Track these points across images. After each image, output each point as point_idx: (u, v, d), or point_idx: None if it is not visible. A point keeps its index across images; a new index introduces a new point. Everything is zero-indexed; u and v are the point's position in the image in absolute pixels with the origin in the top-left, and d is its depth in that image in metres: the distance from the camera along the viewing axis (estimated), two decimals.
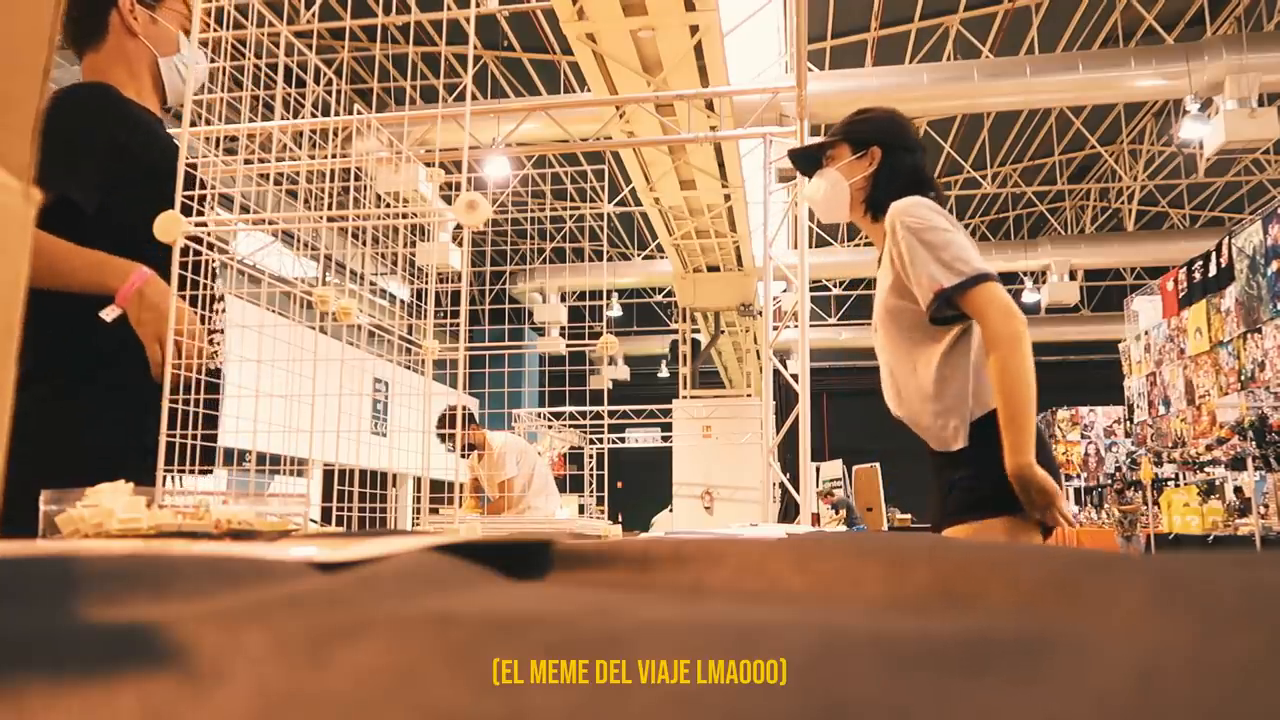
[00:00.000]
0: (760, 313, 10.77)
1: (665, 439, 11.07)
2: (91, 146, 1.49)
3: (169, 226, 1.06)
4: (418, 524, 2.19)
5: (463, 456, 4.65)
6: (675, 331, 13.58)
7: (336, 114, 1.59)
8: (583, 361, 2.40)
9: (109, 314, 1.35)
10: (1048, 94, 7.99)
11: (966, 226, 16.79)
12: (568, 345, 2.49)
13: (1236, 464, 7.80)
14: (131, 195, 1.44)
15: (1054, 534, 1.79)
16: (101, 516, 0.72)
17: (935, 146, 12.66)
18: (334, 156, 1.57)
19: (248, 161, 1.53)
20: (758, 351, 11.23)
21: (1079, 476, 13.95)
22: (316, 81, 1.44)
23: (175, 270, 1.12)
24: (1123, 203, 14.97)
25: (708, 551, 0.47)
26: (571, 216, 11.38)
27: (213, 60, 1.36)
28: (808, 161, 2.03)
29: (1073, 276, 13.02)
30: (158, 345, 1.39)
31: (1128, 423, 10.73)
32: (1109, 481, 12.41)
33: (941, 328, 1.80)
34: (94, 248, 1.43)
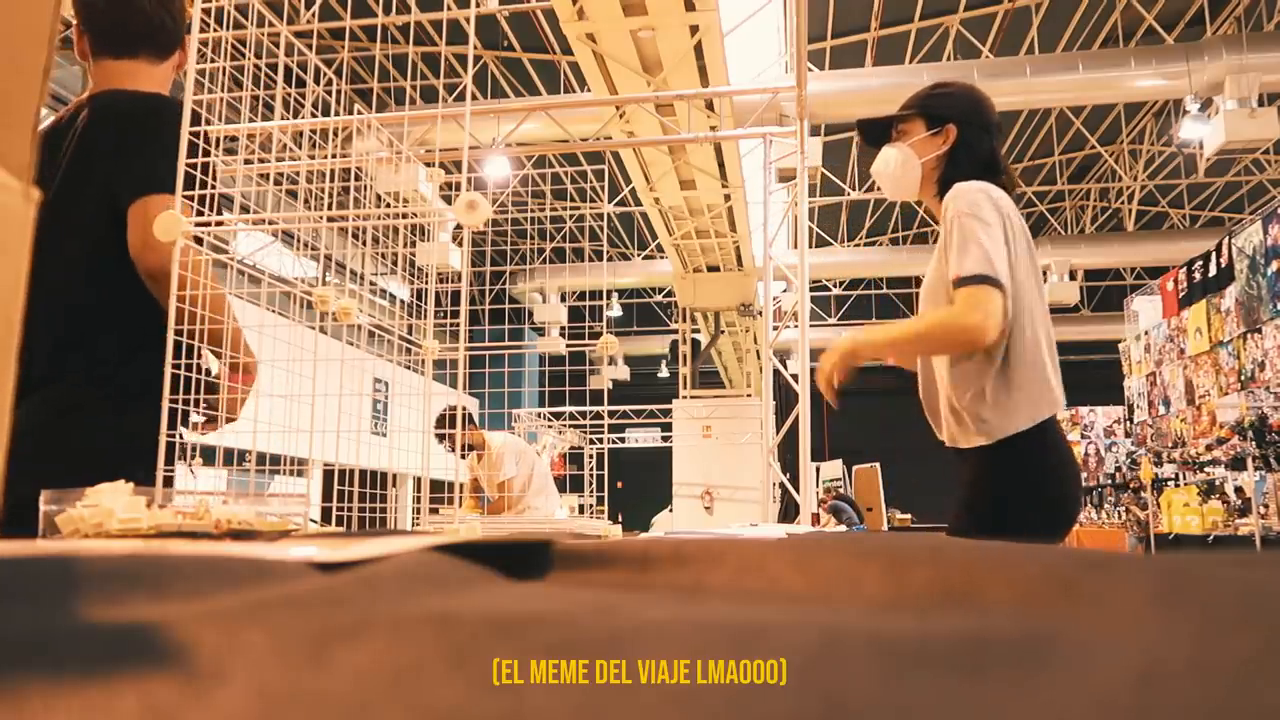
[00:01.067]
0: (760, 313, 10.76)
1: (665, 439, 11.07)
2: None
3: (169, 226, 1.06)
4: (418, 524, 2.19)
5: (461, 457, 4.66)
6: (675, 331, 13.58)
7: (336, 114, 1.59)
8: (583, 361, 2.40)
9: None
10: (1048, 94, 7.99)
11: None
12: (568, 345, 2.49)
13: (1236, 464, 7.79)
14: None
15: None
16: (101, 516, 0.72)
17: None
18: (334, 156, 1.57)
19: (248, 161, 1.53)
20: (758, 351, 11.23)
21: None
22: (316, 81, 1.44)
23: (175, 269, 1.12)
24: (1123, 203, 14.97)
25: (708, 551, 0.47)
26: (571, 216, 11.37)
27: (213, 60, 1.36)
28: (876, 132, 1.93)
29: (1073, 276, 13.02)
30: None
31: (1128, 423, 10.72)
32: (1109, 481, 12.39)
33: None
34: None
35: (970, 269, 1.62)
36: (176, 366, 1.12)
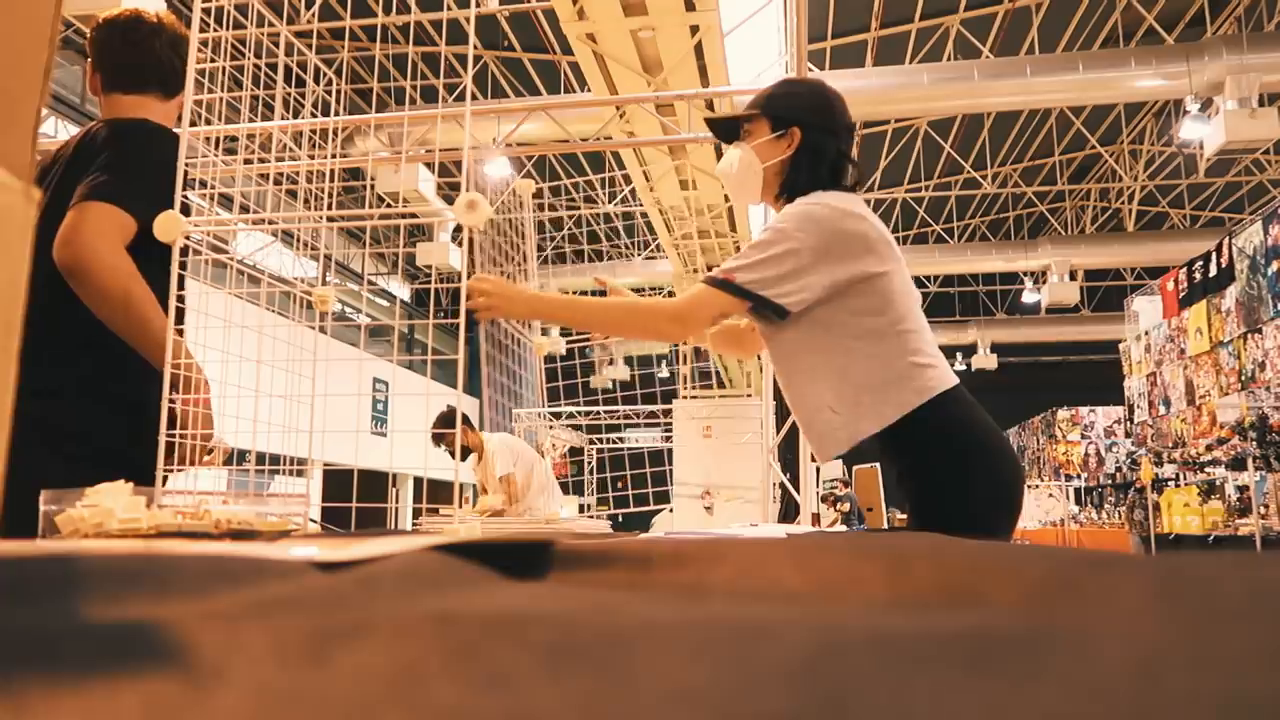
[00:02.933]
0: None
1: (665, 439, 11.07)
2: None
3: (169, 227, 1.06)
4: (418, 524, 2.19)
5: (461, 459, 4.66)
6: None
7: (336, 114, 1.59)
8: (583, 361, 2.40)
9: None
10: (1048, 94, 7.99)
11: (966, 226, 16.85)
12: (568, 345, 2.49)
13: (1237, 464, 7.79)
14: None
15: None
16: (101, 516, 0.72)
17: (935, 146, 12.66)
18: (334, 156, 1.57)
19: (248, 161, 1.53)
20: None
21: (1079, 476, 13.94)
22: (316, 81, 1.44)
23: (175, 269, 1.12)
24: (1123, 203, 14.96)
25: (708, 551, 0.47)
26: (571, 216, 11.37)
27: (212, 60, 1.37)
28: (728, 130, 1.80)
29: (1073, 276, 13.01)
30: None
31: (1128, 423, 10.73)
32: (1109, 481, 12.38)
33: (773, 323, 1.65)
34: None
35: (727, 271, 1.59)
36: (176, 366, 1.12)
